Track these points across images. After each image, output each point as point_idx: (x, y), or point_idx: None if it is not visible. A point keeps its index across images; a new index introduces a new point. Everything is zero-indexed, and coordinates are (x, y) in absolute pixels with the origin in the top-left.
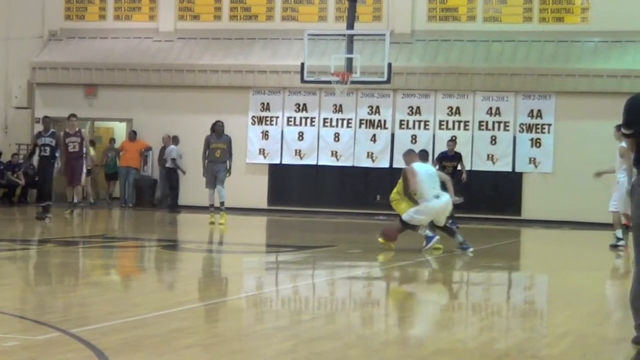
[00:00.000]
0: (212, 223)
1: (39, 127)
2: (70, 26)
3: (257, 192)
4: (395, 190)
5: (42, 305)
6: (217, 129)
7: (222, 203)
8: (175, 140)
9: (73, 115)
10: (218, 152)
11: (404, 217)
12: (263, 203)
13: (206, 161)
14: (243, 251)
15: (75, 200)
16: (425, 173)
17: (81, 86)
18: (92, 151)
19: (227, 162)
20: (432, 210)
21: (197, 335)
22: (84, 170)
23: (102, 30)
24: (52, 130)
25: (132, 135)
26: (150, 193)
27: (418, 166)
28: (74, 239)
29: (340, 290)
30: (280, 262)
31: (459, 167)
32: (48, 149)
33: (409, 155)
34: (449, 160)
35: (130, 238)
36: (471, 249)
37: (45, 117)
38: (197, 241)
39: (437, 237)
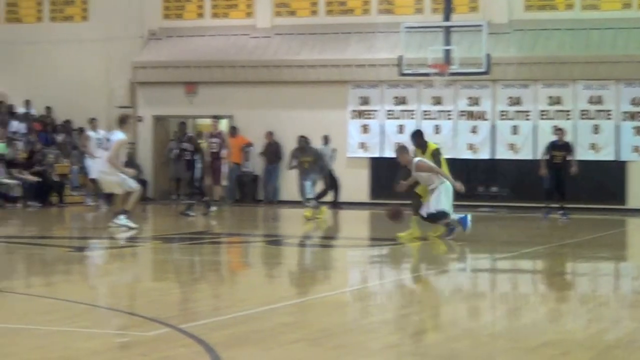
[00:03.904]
0: (317, 218)
1: (141, 126)
2: (169, 25)
3: (358, 185)
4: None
5: (152, 301)
6: (299, 144)
7: (308, 199)
8: (326, 139)
9: (215, 116)
10: (306, 164)
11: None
12: (365, 196)
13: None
14: (347, 245)
15: (215, 199)
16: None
17: (181, 84)
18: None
19: (320, 174)
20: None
21: (303, 329)
22: (223, 171)
23: (200, 28)
24: (188, 135)
25: (233, 131)
26: (252, 188)
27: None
28: (178, 235)
29: (444, 283)
30: (384, 255)
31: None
32: (187, 153)
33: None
34: (558, 149)
35: (234, 234)
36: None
37: (182, 122)
38: (300, 236)
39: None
